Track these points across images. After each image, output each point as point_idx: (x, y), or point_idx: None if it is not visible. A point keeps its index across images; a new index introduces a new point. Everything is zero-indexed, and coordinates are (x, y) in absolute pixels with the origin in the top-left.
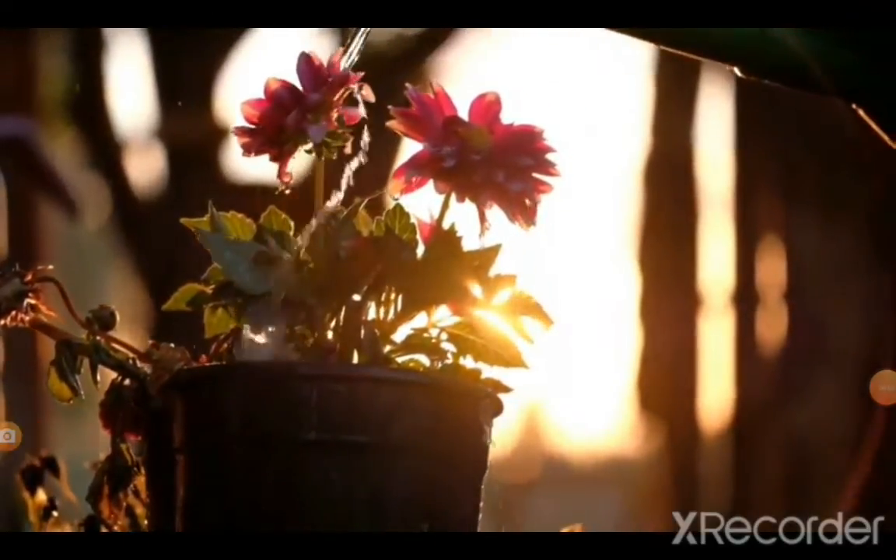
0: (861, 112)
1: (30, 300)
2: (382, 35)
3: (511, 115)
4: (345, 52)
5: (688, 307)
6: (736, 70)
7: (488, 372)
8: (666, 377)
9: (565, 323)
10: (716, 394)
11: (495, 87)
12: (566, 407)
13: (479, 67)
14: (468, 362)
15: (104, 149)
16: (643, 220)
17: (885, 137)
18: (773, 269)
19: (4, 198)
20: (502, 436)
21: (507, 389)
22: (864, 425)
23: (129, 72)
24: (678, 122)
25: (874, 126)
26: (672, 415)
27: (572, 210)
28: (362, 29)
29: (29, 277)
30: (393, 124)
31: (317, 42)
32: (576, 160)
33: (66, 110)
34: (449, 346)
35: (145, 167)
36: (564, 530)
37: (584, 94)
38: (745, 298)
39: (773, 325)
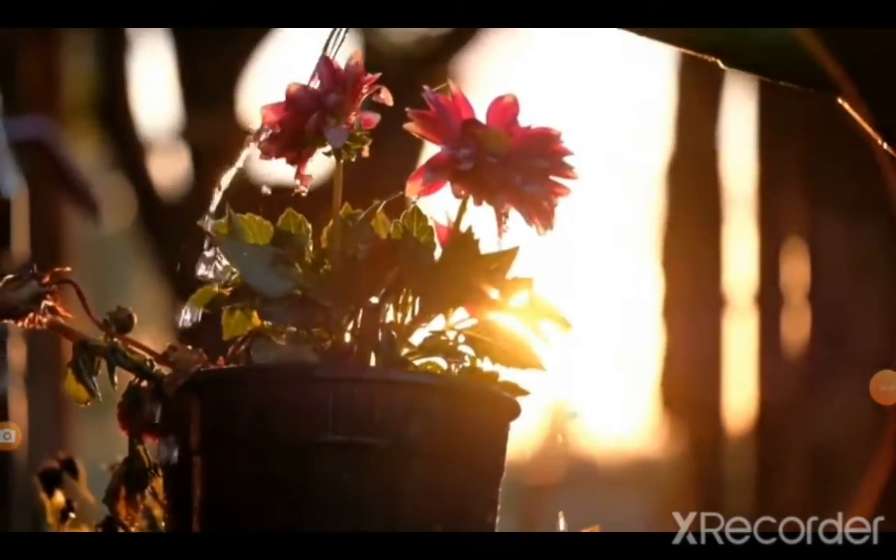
0: (848, 107)
1: (47, 302)
2: (409, 36)
3: (535, 117)
4: (327, 51)
5: (712, 308)
6: (719, 62)
7: (506, 374)
8: (690, 378)
9: (590, 324)
10: (740, 394)
11: (519, 87)
12: (590, 408)
13: (504, 68)
14: (486, 365)
15: (129, 149)
16: (667, 220)
17: (870, 130)
18: (797, 270)
19: (27, 199)
20: (527, 437)
21: (524, 392)
22: (888, 426)
23: (153, 72)
24: (703, 123)
25: (861, 120)
26: (696, 415)
27: (597, 210)
28: (342, 29)
29: (46, 279)
30: (410, 126)
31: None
32: (601, 161)
33: (90, 110)
34: (467, 349)
35: (170, 167)
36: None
37: (609, 95)
38: (770, 299)
39: (797, 326)
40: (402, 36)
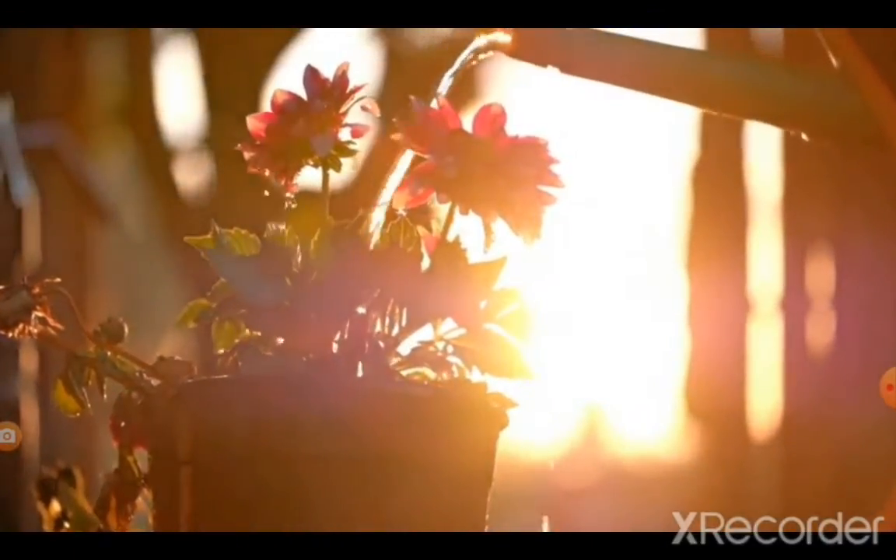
0: None
1: (37, 313)
2: (426, 40)
3: (560, 119)
4: (451, 73)
5: (737, 312)
6: (803, 135)
7: (495, 385)
8: (714, 382)
9: (615, 328)
10: (765, 398)
11: (540, 90)
12: (616, 412)
13: (529, 72)
14: (475, 375)
15: (152, 154)
16: (693, 225)
17: None
18: (822, 275)
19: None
20: (555, 442)
21: (512, 404)
22: None
23: (177, 75)
24: (728, 127)
25: None
26: (720, 419)
27: (622, 215)
28: (468, 54)
29: (36, 290)
30: (397, 137)
31: (363, 46)
32: (626, 165)
33: (113, 115)
34: (455, 360)
35: (194, 172)
36: None
37: (635, 98)
38: (795, 304)
39: (821, 331)
40: (427, 39)
